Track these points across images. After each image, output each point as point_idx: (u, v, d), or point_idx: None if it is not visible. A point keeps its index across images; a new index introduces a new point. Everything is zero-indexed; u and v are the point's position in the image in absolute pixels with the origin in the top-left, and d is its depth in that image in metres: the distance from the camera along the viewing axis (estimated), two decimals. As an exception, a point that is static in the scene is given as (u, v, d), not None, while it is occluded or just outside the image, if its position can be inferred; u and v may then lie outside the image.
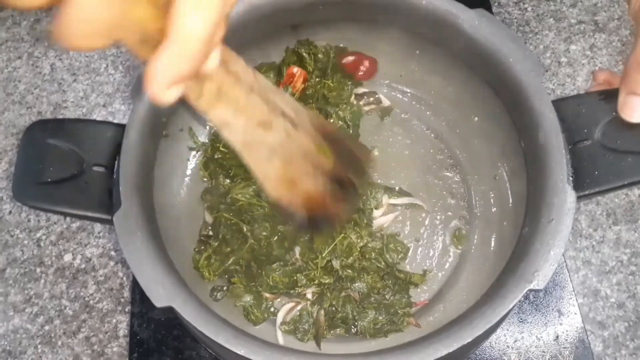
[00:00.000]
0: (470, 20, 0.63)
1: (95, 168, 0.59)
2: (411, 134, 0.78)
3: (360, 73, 0.78)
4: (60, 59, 0.91)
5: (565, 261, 0.75)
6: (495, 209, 0.72)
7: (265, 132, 0.48)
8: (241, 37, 0.69)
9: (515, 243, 0.59)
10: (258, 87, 0.45)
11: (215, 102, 0.42)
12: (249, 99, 0.44)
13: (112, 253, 0.77)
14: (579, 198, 0.55)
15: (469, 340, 0.49)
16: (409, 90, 0.79)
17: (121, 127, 0.60)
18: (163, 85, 0.31)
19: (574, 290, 0.73)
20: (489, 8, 0.91)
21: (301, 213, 0.56)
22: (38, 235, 0.79)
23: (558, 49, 0.90)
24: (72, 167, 0.59)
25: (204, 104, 0.41)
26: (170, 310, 0.52)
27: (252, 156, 0.49)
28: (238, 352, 0.50)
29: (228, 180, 0.72)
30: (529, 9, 0.93)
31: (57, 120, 0.81)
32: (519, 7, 0.93)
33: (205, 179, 0.74)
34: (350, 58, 0.78)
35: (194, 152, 0.75)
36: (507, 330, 0.70)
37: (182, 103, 0.73)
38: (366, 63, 0.78)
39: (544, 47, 0.90)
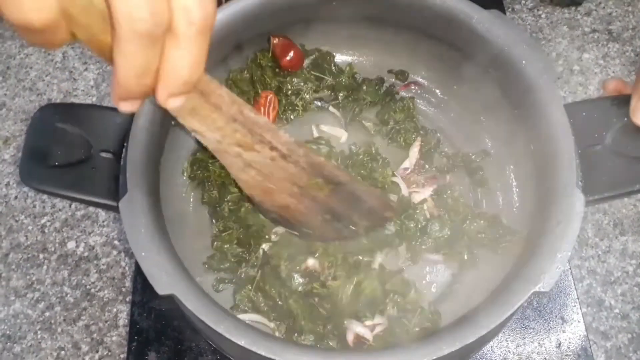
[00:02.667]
0: (484, 21, 0.63)
1: (103, 154, 0.59)
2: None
3: (287, 58, 0.75)
4: (72, 47, 0.91)
5: (570, 269, 0.74)
6: (503, 210, 0.71)
7: (244, 151, 0.52)
8: (252, 31, 0.69)
9: (523, 245, 0.59)
10: (243, 119, 0.49)
11: (188, 116, 0.46)
12: (228, 125, 0.49)
13: (116, 242, 0.77)
14: (588, 202, 0.54)
15: (472, 340, 0.49)
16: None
17: (130, 115, 0.60)
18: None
19: (578, 299, 0.72)
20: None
21: (274, 212, 0.61)
22: (42, 221, 0.79)
23: (571, 56, 0.89)
24: (79, 152, 0.59)
25: (176, 112, 0.44)
26: (171, 299, 0.52)
27: (226, 161, 0.54)
28: (238, 343, 0.50)
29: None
30: (543, 15, 0.93)
31: (67, 104, 0.81)
32: (532, 14, 0.93)
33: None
34: (277, 40, 0.74)
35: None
36: (509, 335, 0.70)
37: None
38: (292, 52, 0.75)
39: (556, 54, 0.89)
